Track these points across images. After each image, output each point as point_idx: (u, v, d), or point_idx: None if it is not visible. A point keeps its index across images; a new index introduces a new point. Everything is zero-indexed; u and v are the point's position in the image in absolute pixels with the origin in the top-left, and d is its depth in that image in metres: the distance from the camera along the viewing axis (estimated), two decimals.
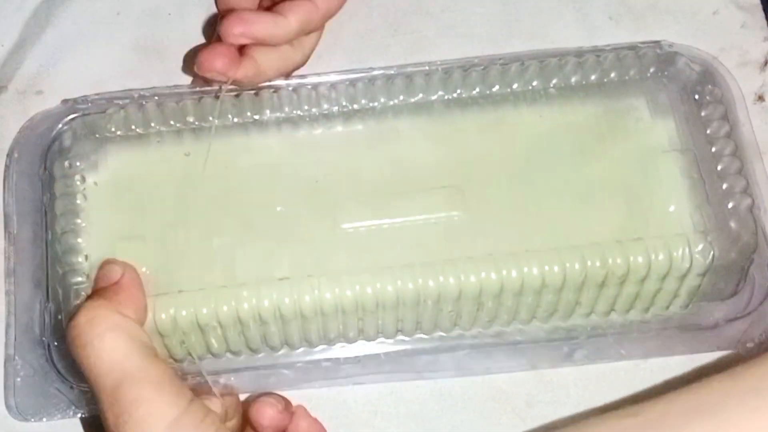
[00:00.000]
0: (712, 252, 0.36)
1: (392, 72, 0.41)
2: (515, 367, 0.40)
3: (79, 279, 0.37)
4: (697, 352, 0.39)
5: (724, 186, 0.38)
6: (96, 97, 0.42)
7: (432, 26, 0.48)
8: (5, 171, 0.42)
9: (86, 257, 0.37)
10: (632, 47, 0.41)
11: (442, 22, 0.48)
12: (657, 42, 0.42)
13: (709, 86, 0.40)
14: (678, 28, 0.47)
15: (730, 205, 0.37)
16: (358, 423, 0.41)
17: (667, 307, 0.39)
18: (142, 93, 0.41)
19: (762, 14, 0.47)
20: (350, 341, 0.39)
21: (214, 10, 0.49)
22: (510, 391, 0.41)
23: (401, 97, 0.40)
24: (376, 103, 0.40)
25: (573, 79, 0.40)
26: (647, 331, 0.39)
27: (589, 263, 0.36)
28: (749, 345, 0.39)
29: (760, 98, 0.46)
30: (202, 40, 0.48)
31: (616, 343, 0.39)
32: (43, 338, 0.38)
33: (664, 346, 0.39)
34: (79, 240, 0.37)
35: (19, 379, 0.38)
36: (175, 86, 0.42)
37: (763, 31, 0.47)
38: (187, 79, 0.47)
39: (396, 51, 0.47)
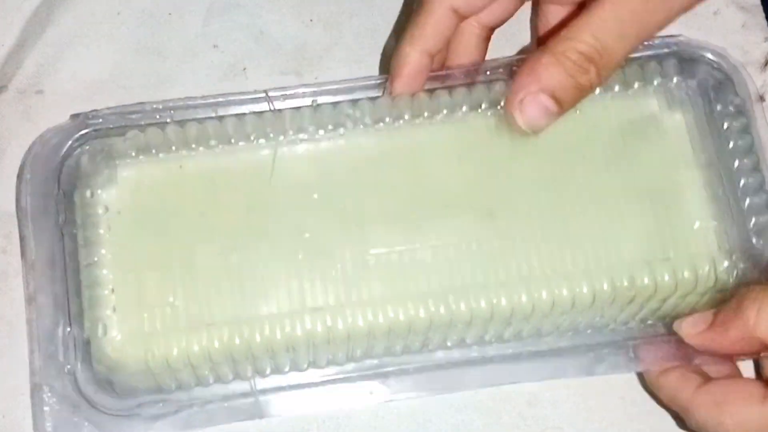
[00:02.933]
0: (736, 270, 0.37)
1: None
2: (541, 378, 0.40)
3: (107, 312, 0.36)
4: (714, 361, 0.40)
5: (747, 202, 0.38)
6: (107, 111, 0.40)
7: None
8: (17, 192, 0.40)
9: (112, 290, 0.36)
10: (648, 45, 0.41)
11: None
12: (674, 36, 0.42)
13: (731, 96, 0.40)
14: (679, 28, 0.46)
15: (752, 222, 0.38)
16: (360, 423, 0.42)
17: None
18: (155, 107, 0.40)
19: (762, 14, 0.47)
20: (376, 357, 0.39)
21: (214, 10, 0.47)
22: (510, 390, 0.42)
23: (426, 114, 0.39)
24: (401, 121, 0.39)
25: (596, 91, 0.40)
26: (666, 341, 0.40)
27: (617, 284, 0.37)
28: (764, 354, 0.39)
29: (761, 98, 0.46)
30: (201, 40, 0.47)
31: (636, 353, 0.40)
32: (68, 366, 0.38)
33: (680, 355, 0.40)
34: (104, 271, 0.37)
35: (47, 408, 0.38)
36: (188, 98, 0.41)
37: (764, 32, 0.47)
38: (188, 83, 0.46)
39: None
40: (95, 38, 0.47)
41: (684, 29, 0.46)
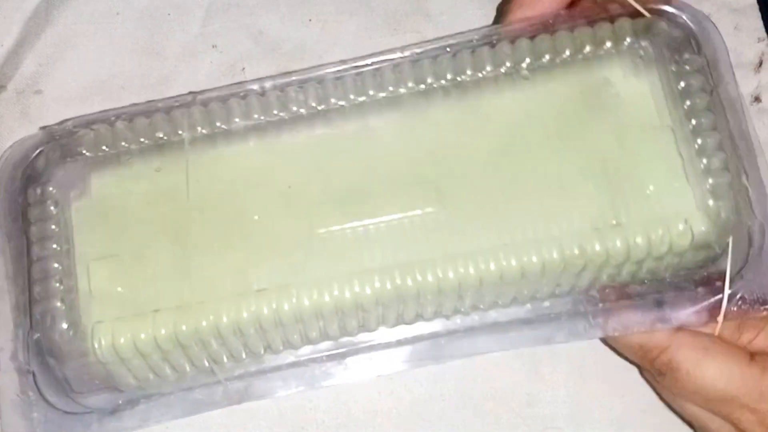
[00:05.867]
0: (691, 233, 0.36)
1: (360, 64, 0.40)
2: (498, 348, 0.39)
3: (57, 304, 0.36)
4: (678, 323, 0.38)
5: (704, 162, 0.37)
6: (73, 122, 0.41)
7: (431, 26, 0.47)
8: None
9: (61, 281, 0.37)
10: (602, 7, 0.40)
11: (441, 22, 0.48)
12: None
13: (686, 54, 0.38)
14: None
15: (709, 183, 0.36)
16: (358, 423, 0.41)
17: (645, 282, 0.38)
18: (119, 112, 0.41)
19: (757, 14, 0.46)
20: (332, 338, 0.39)
21: (213, 10, 0.48)
22: (510, 390, 0.41)
23: (371, 93, 0.39)
24: (344, 102, 0.39)
25: (546, 58, 0.39)
26: (627, 307, 0.38)
27: (567, 252, 0.36)
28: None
29: (757, 99, 0.45)
30: (201, 40, 0.48)
31: (598, 319, 0.39)
32: (27, 366, 0.38)
33: (643, 319, 0.38)
34: (55, 264, 0.37)
35: (5, 408, 0.38)
36: (150, 102, 0.41)
37: (757, 32, 0.46)
38: (187, 83, 0.47)
39: None
40: (94, 38, 0.48)
41: None
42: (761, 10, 0.47)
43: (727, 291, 0.37)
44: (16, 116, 0.46)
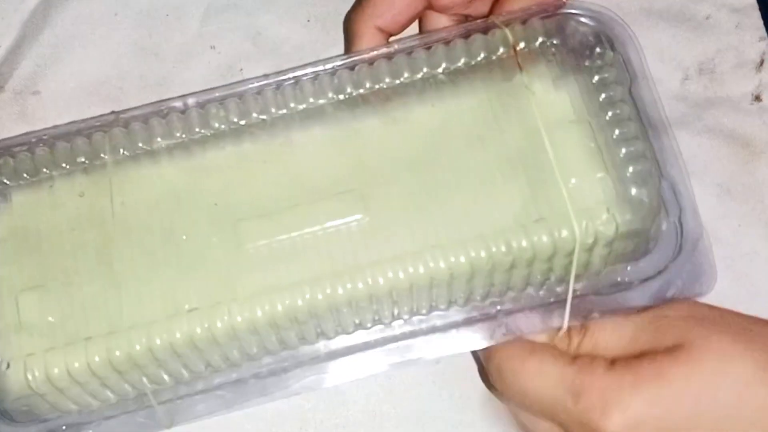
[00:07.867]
0: (615, 222, 0.36)
1: (281, 78, 0.40)
2: (441, 352, 0.40)
3: None
4: (615, 313, 0.39)
5: (623, 151, 0.37)
6: None
7: None
8: None
9: None
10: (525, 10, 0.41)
11: None
12: None
13: (598, 49, 0.39)
14: (673, 32, 0.47)
15: (630, 171, 0.37)
16: (357, 423, 0.41)
17: (580, 276, 0.39)
18: (40, 135, 0.40)
19: (757, 14, 0.47)
20: (273, 353, 0.39)
21: (211, 11, 0.48)
22: None
23: (292, 105, 0.39)
24: (265, 116, 0.39)
25: (461, 62, 0.39)
26: (566, 300, 0.39)
27: (494, 249, 0.36)
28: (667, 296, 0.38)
29: (758, 98, 0.46)
30: (199, 40, 0.48)
31: (537, 316, 0.39)
32: None
33: (585, 311, 0.39)
34: None
35: None
36: (72, 122, 0.41)
37: (759, 31, 0.47)
38: (185, 84, 0.46)
39: None
40: (92, 39, 0.47)
41: (678, 33, 0.47)
42: (761, 9, 0.47)
43: (570, 294, 0.38)
44: (14, 117, 0.46)
